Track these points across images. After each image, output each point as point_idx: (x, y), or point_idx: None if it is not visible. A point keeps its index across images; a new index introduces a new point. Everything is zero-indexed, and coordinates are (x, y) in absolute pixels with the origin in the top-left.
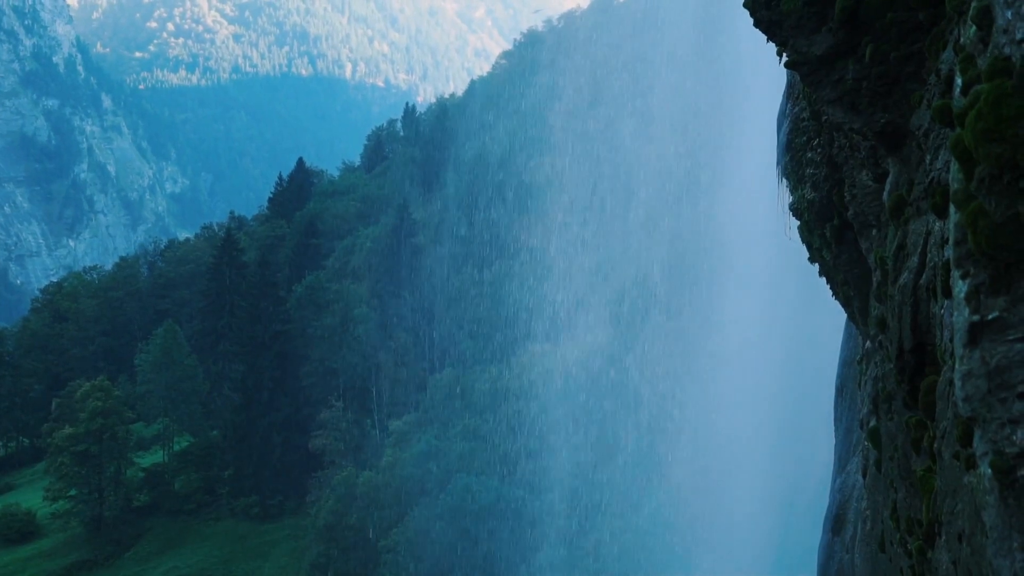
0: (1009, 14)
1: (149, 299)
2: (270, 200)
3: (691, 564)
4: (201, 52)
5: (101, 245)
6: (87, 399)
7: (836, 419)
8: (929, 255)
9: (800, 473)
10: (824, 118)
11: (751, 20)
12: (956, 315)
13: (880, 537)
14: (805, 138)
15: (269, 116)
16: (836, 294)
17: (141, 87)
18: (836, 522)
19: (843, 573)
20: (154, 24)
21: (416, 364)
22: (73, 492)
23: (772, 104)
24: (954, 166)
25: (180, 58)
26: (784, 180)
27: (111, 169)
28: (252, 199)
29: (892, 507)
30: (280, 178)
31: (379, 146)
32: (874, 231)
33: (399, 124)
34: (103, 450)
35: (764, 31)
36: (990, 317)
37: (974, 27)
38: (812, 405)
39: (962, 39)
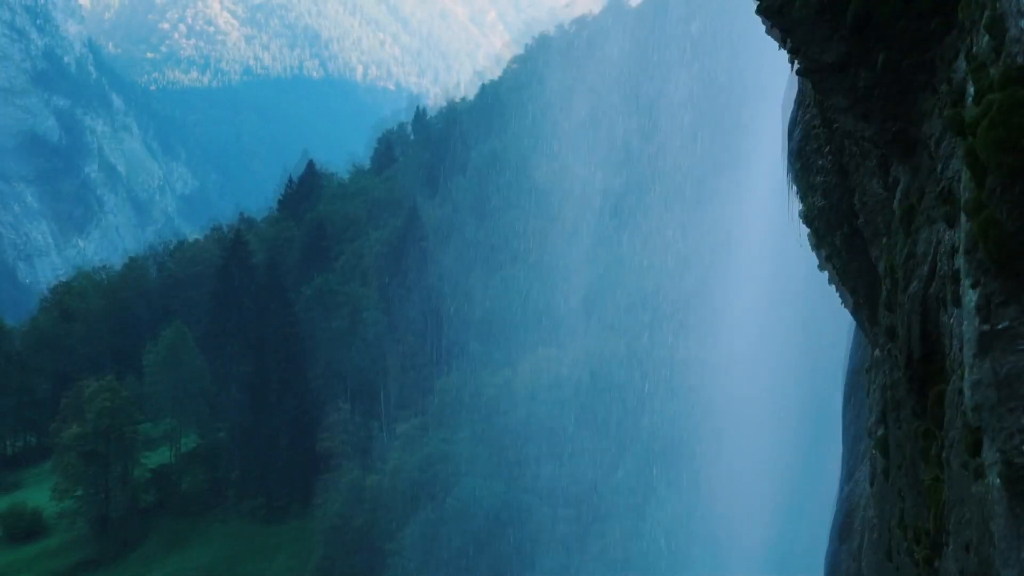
0: (1022, 24)
1: (157, 299)
2: (279, 201)
3: (696, 571)
4: (212, 53)
5: (110, 244)
6: (95, 398)
7: (844, 427)
8: (939, 264)
9: (807, 481)
10: (835, 126)
11: (763, 27)
12: (966, 324)
13: (887, 546)
14: (816, 145)
15: (279, 117)
16: (845, 302)
17: (151, 87)
18: (843, 531)
19: None
20: (166, 25)
21: (424, 367)
22: (80, 491)
23: (783, 110)
24: (965, 175)
25: (191, 59)
26: (794, 187)
27: (121, 169)
28: (261, 200)
29: (899, 516)
30: (290, 179)
31: (389, 148)
32: (884, 239)
33: (409, 126)
34: (110, 449)
35: (776, 38)
36: (1000, 327)
37: (987, 36)
38: (820, 413)
39: (975, 48)
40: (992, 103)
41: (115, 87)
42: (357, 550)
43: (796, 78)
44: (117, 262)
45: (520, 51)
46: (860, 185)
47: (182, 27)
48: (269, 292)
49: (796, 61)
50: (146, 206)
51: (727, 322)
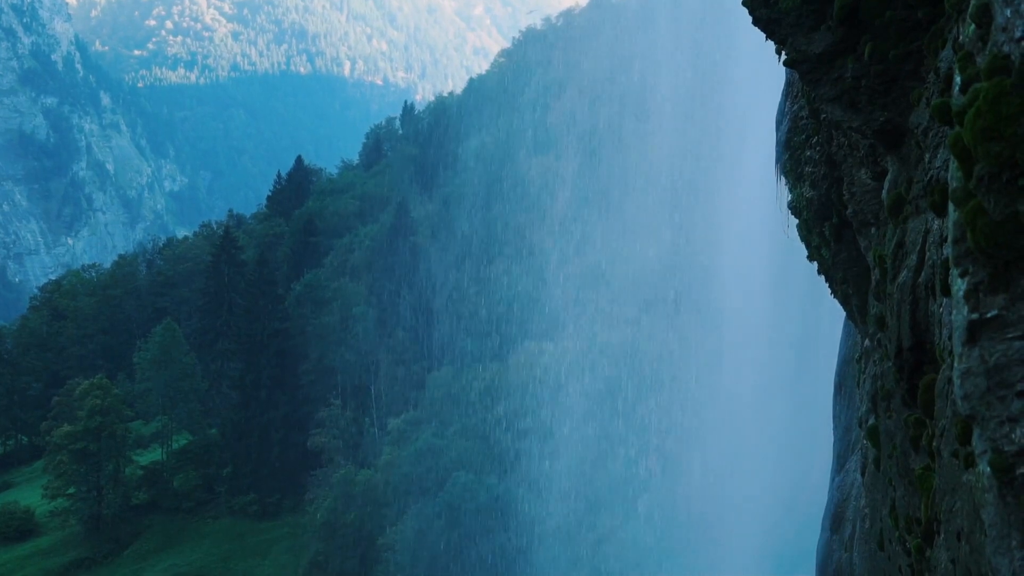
0: (1008, 12)
1: (148, 297)
2: (269, 198)
3: (689, 562)
4: (200, 50)
5: (100, 243)
6: (86, 397)
7: (835, 417)
8: (928, 253)
9: (799, 471)
10: (823, 116)
11: (750, 18)
12: (955, 313)
13: (879, 535)
14: (804, 136)
15: (268, 114)
16: (835, 292)
17: (140, 85)
18: (835, 520)
19: (842, 571)
20: (153, 22)
21: (415, 362)
22: (72, 490)
23: (771, 101)
24: (953, 164)
25: (179, 56)
26: (783, 178)
27: (110, 167)
28: (251, 197)
29: (891, 505)
30: (279, 176)
31: (378, 144)
32: (873, 229)
33: (398, 122)
34: (102, 448)
35: (763, 29)
36: (989, 315)
37: (973, 25)
38: (812, 404)
39: (961, 37)
40: (979, 92)
41: (103, 85)
42: (350, 546)
43: (785, 70)
44: (107, 261)
45: (507, 45)
46: (848, 175)
47: (169, 24)
48: (259, 289)
49: (782, 52)
50: (135, 204)
51: (719, 314)
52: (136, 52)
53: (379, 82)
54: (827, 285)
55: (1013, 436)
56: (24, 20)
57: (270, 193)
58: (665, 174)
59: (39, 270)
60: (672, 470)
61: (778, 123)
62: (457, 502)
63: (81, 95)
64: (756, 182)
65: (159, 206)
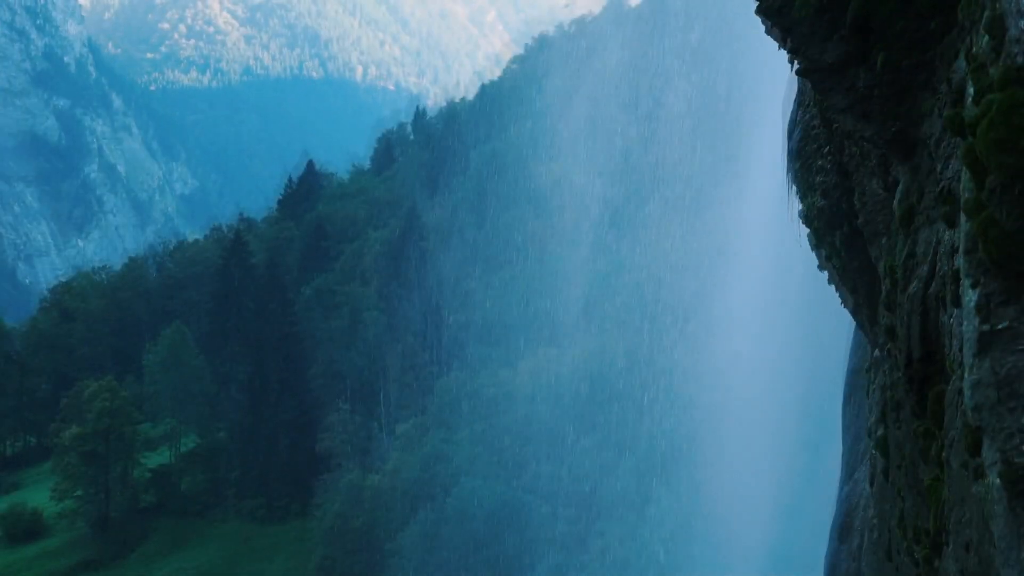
0: (1022, 24)
1: (157, 299)
2: (279, 202)
3: (697, 571)
4: (212, 53)
5: (110, 245)
6: (94, 399)
7: (844, 427)
8: (939, 264)
9: (807, 481)
10: (835, 126)
11: (763, 27)
12: (966, 324)
13: (887, 546)
14: (816, 146)
15: (279, 117)
16: (845, 302)
17: (152, 88)
18: (843, 531)
19: None
20: (166, 25)
21: (424, 367)
22: (79, 492)
23: (783, 112)
24: (965, 175)
25: (191, 59)
26: (794, 187)
27: (121, 169)
28: (261, 200)
29: (899, 516)
30: (289, 180)
31: (389, 149)
32: (884, 240)
33: (409, 127)
34: (110, 450)
35: (776, 38)
36: (1000, 327)
37: (987, 36)
38: (820, 413)
39: (974, 48)
40: (992, 103)
41: (115, 87)
42: (357, 550)
43: (796, 79)
44: (117, 262)
45: (520, 51)
46: (860, 185)
47: (182, 27)
48: (269, 292)
49: (796, 61)
50: (146, 206)
51: (726, 324)
52: (148, 54)
53: (390, 87)
54: (837, 295)
55: (1023, 448)
56: (37, 22)
57: (280, 196)
58: (675, 181)
59: (49, 271)
60: (680, 478)
61: (790, 133)
62: (464, 508)
63: (93, 97)
64: (765, 195)
65: (169, 208)
